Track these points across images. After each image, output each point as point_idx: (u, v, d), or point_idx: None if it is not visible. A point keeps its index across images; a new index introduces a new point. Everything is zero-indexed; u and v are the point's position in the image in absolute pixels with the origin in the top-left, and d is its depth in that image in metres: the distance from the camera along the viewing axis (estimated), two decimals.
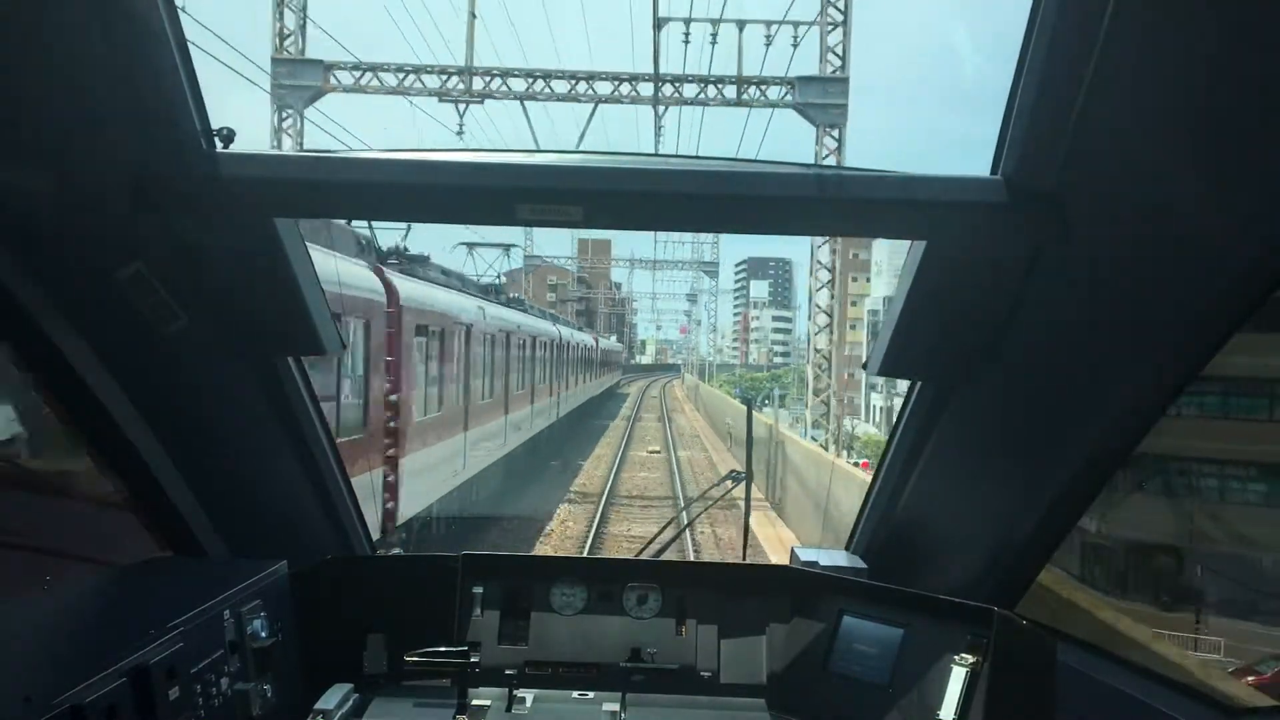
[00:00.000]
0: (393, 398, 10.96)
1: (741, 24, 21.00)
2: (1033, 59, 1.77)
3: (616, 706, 2.50)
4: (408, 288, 11.81)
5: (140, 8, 1.76)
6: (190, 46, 1.92)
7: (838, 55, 20.84)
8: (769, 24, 20.74)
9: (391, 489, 11.11)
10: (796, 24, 20.65)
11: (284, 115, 21.05)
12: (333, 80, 21.38)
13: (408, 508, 11.82)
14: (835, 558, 2.93)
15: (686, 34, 20.74)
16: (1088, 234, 1.87)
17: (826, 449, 22.04)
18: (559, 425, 27.88)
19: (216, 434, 2.60)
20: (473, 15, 20.76)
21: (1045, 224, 1.91)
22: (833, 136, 20.97)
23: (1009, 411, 2.39)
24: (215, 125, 2.01)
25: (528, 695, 2.57)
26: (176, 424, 2.46)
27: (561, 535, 16.44)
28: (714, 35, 20.70)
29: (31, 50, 1.73)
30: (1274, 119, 1.44)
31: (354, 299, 9.67)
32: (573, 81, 21.74)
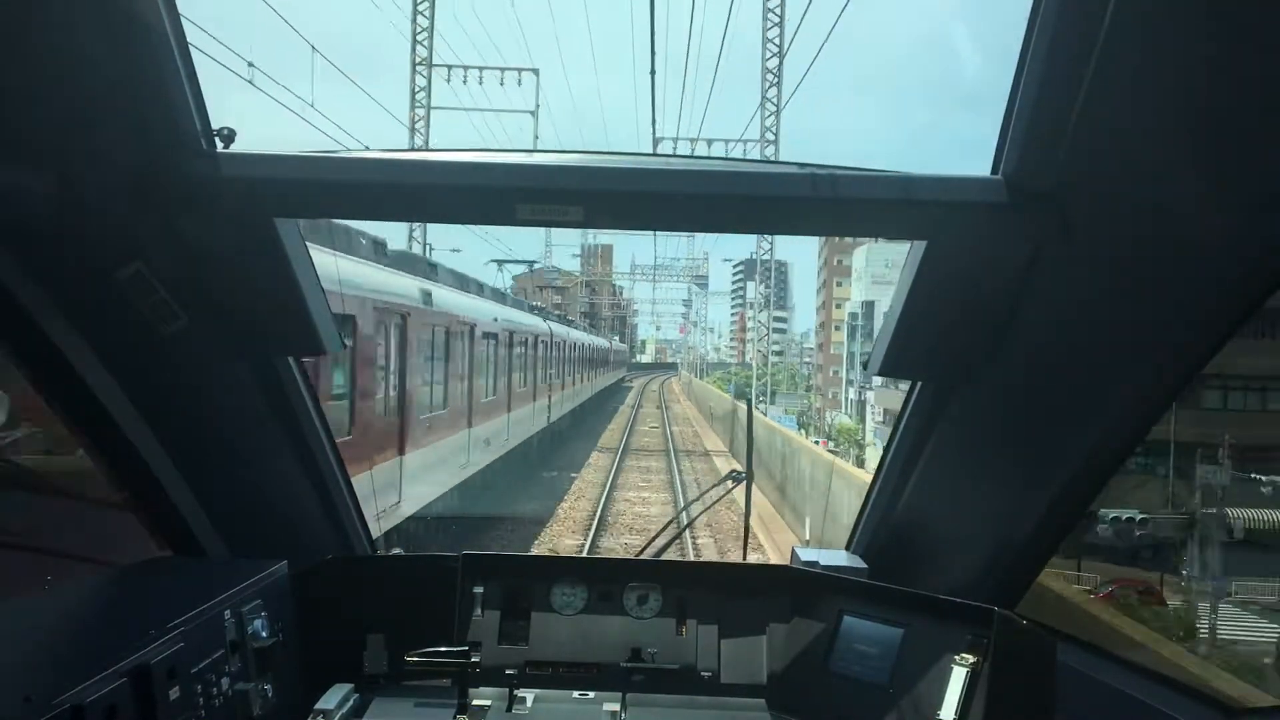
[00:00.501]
0: (550, 373, 27.71)
1: (710, 141, 31.97)
2: (1033, 59, 1.77)
3: (616, 706, 2.51)
4: (553, 327, 29.28)
5: (140, 8, 1.76)
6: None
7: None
8: (727, 141, 31.75)
9: (549, 407, 27.09)
10: (746, 141, 30.91)
11: None
12: None
13: (565, 409, 31.54)
14: (835, 558, 2.93)
15: (674, 147, 31.15)
16: (1088, 234, 1.87)
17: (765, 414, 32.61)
18: (594, 398, 44.72)
19: (216, 434, 2.59)
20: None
21: (1045, 224, 1.91)
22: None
23: (1009, 411, 2.39)
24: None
25: (528, 695, 2.57)
26: (176, 424, 2.45)
27: (596, 466, 27.51)
28: (692, 148, 30.89)
29: (32, 50, 1.73)
30: (1274, 119, 1.44)
31: (543, 334, 26.07)
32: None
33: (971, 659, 2.28)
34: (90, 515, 3.22)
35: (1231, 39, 1.43)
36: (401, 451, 12.60)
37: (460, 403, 15.99)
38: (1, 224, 1.91)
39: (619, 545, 16.76)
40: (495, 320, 18.77)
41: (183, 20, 1.87)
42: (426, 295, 13.95)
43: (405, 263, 14.34)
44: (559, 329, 31.09)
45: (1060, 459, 2.18)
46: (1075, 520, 2.34)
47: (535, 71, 30.81)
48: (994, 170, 1.98)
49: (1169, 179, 1.67)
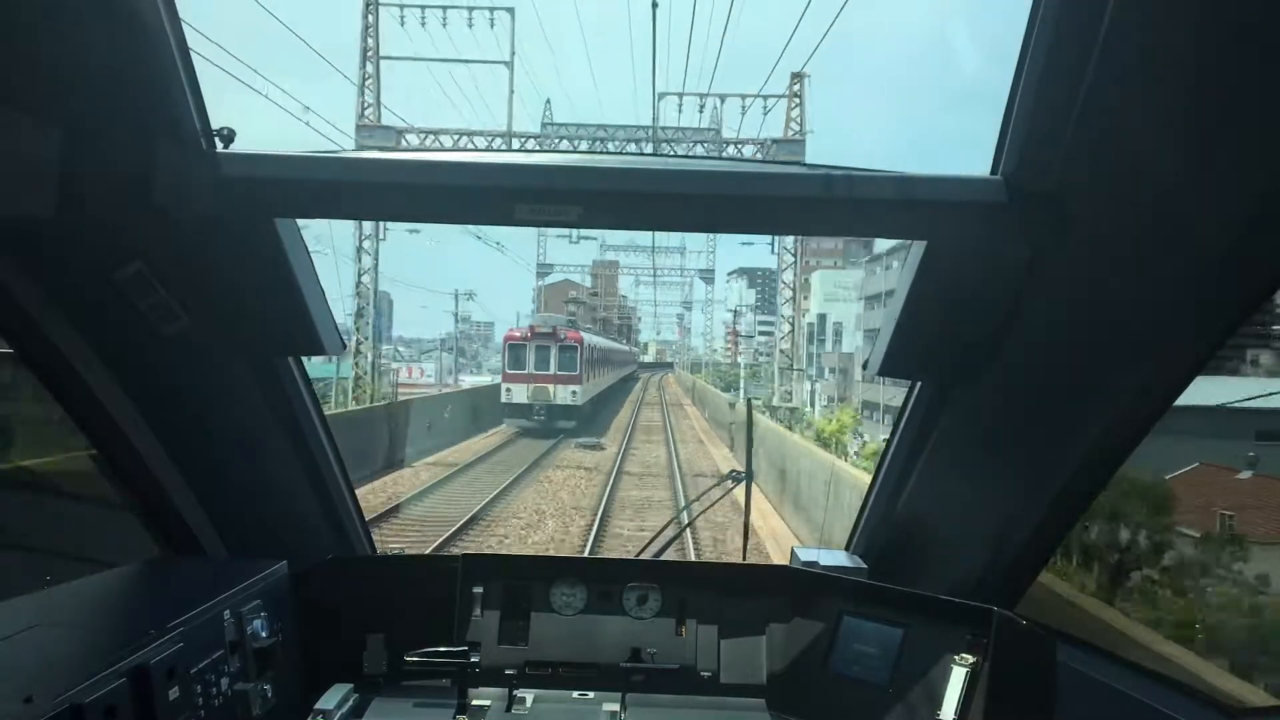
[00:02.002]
0: (614, 368, 55.35)
1: (723, 97, 28.77)
2: (1033, 59, 1.77)
3: (616, 706, 2.51)
4: (616, 344, 64.40)
5: (140, 8, 1.76)
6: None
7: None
8: (744, 97, 28.71)
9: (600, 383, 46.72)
10: (766, 97, 28.42)
11: None
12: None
13: (620, 375, 63.25)
14: (835, 558, 2.93)
15: (680, 104, 28.54)
16: (1088, 234, 1.87)
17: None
18: (624, 379, 67.40)
19: (216, 434, 2.59)
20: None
21: (1045, 224, 1.91)
22: None
23: (1009, 411, 2.39)
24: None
25: (528, 695, 2.57)
26: (176, 424, 2.45)
27: (626, 418, 43.49)
28: (701, 105, 28.46)
29: (32, 51, 1.73)
30: (1274, 119, 1.44)
31: (615, 347, 61.37)
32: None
33: (971, 659, 2.28)
34: (90, 515, 3.22)
35: (1231, 39, 1.43)
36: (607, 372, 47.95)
37: (611, 367, 49.39)
38: (1, 224, 1.91)
39: (643, 421, 40.09)
40: (616, 347, 57.16)
41: (182, 20, 1.87)
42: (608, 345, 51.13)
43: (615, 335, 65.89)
44: (614, 344, 58.55)
45: (1060, 459, 2.18)
46: (1075, 520, 2.34)
47: (510, 11, 30.94)
48: (994, 170, 1.98)
49: (1168, 179, 1.67)
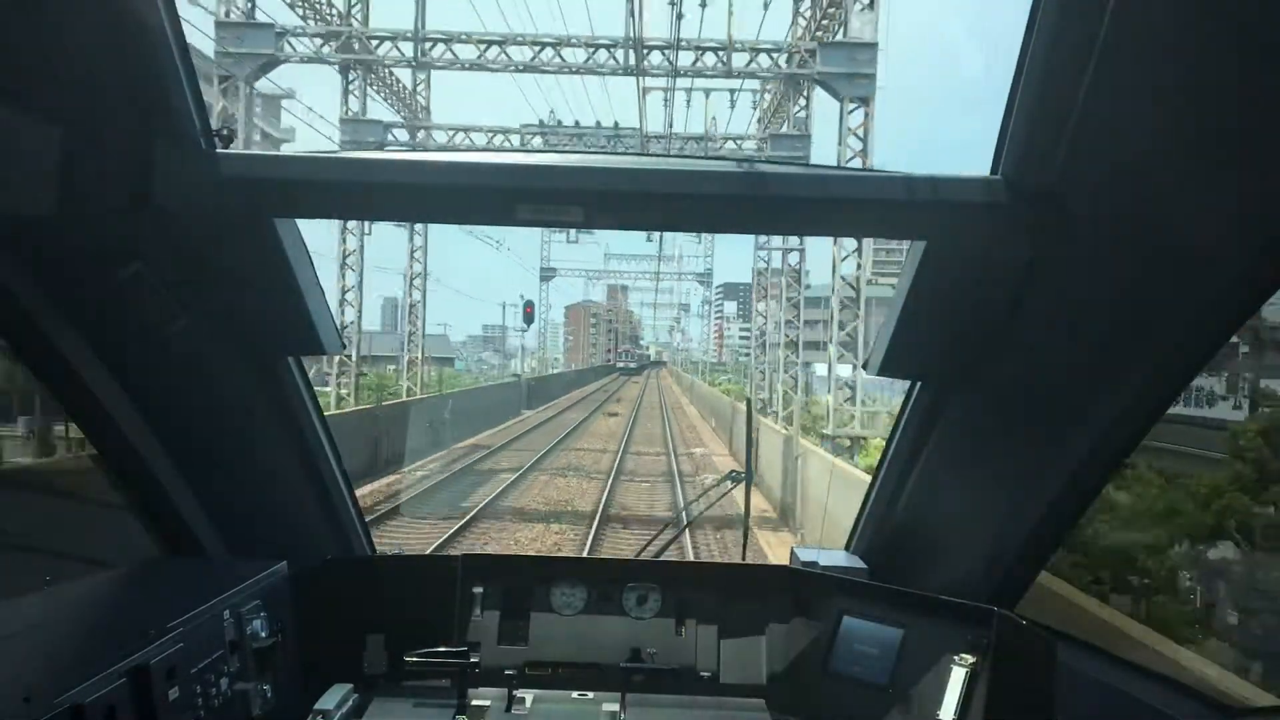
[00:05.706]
0: (640, 359, 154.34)
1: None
2: (1033, 59, 1.77)
3: (616, 707, 2.51)
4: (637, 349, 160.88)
5: (140, 8, 1.76)
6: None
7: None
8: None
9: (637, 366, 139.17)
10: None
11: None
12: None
13: (641, 360, 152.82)
14: (835, 558, 2.93)
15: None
16: (1088, 234, 1.87)
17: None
18: (642, 365, 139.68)
19: (216, 434, 2.59)
20: None
21: (1045, 224, 1.91)
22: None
23: (1009, 412, 2.39)
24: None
25: (527, 695, 2.57)
26: (176, 424, 2.46)
27: (639, 391, 74.38)
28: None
29: (31, 50, 1.73)
30: (1274, 119, 1.44)
31: (644, 354, 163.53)
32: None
33: (971, 659, 2.28)
34: (90, 515, 3.22)
35: (1231, 38, 1.43)
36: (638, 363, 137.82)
37: (639, 359, 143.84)
38: (1, 224, 1.91)
39: (649, 392, 70.85)
40: (642, 352, 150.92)
41: (182, 20, 1.87)
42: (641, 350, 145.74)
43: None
44: (641, 351, 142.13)
45: (1060, 459, 2.18)
46: (1075, 520, 2.34)
47: None
48: (994, 170, 1.97)
49: (1169, 179, 1.67)
